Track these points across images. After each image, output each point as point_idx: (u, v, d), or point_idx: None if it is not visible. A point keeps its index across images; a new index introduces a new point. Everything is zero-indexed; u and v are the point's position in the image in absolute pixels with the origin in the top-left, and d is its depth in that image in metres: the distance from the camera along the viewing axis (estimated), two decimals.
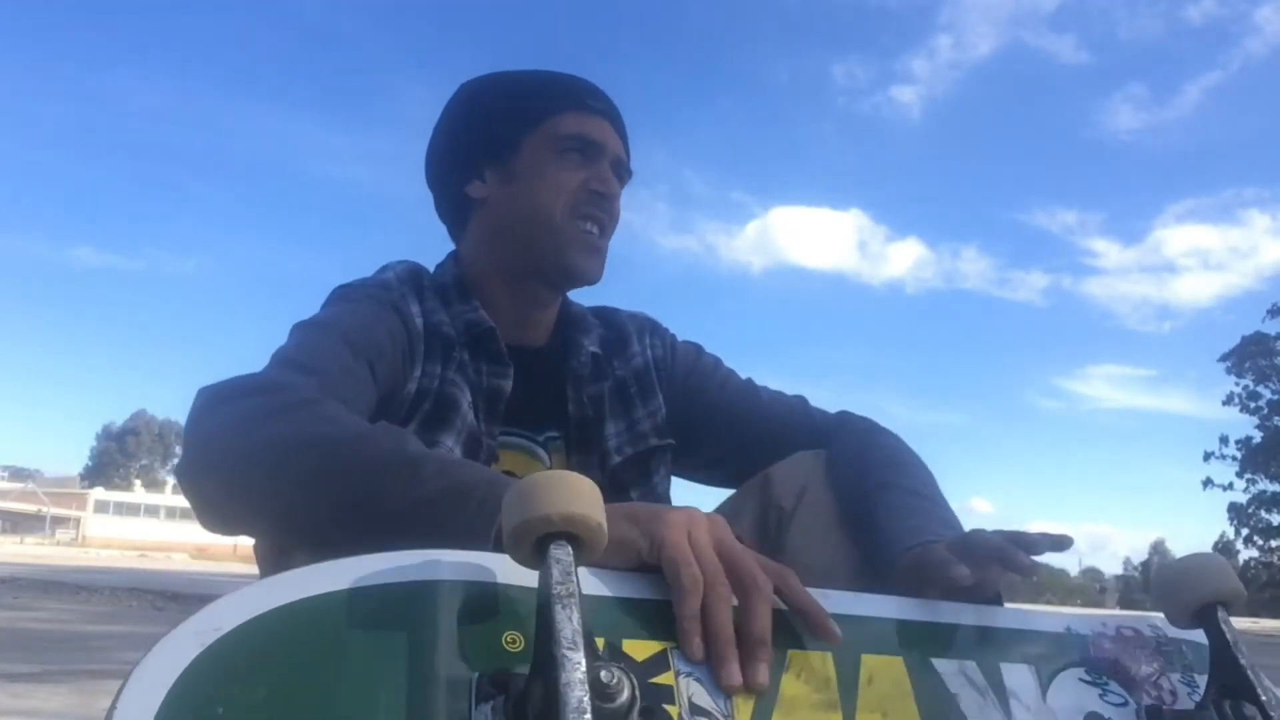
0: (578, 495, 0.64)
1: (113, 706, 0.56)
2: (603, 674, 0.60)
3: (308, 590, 0.63)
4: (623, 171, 1.28)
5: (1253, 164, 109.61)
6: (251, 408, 0.89)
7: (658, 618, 0.72)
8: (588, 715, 0.55)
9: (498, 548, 0.70)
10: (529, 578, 0.64)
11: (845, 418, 1.28)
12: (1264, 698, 0.76)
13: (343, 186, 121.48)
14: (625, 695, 0.60)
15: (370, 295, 1.17)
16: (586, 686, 0.56)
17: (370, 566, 0.65)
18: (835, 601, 0.79)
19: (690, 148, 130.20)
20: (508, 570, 0.67)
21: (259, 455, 0.86)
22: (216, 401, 0.92)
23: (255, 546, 1.01)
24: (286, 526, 0.88)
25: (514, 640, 0.65)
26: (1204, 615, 0.82)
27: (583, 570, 0.67)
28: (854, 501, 1.09)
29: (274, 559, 0.95)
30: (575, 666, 0.56)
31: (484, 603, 0.66)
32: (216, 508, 0.90)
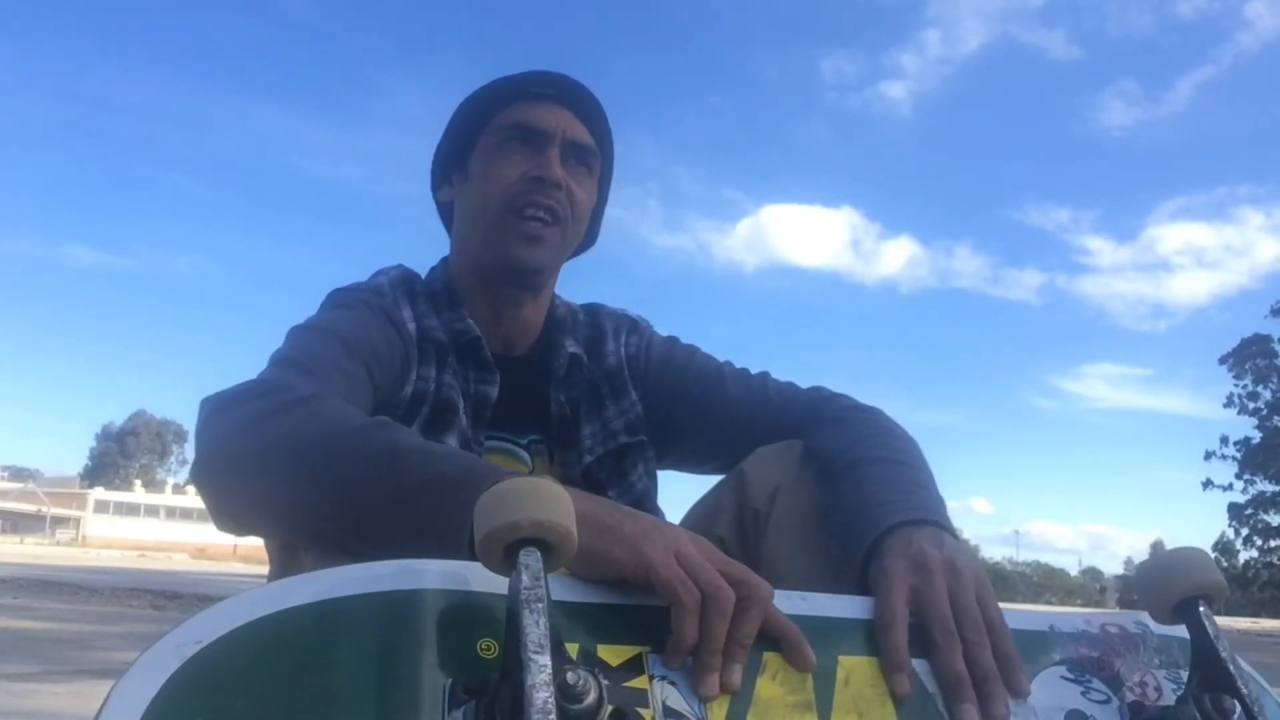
0: (547, 502, 0.65)
1: (97, 718, 0.57)
2: (569, 676, 0.61)
3: (287, 602, 0.64)
4: (584, 154, 1.24)
5: (1246, 160, 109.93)
6: (254, 410, 0.91)
7: (632, 622, 0.72)
8: (552, 716, 0.56)
9: (473, 550, 0.71)
10: (504, 585, 0.65)
11: (819, 402, 1.21)
12: (1244, 690, 0.76)
13: (334, 184, 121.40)
14: (592, 697, 0.61)
15: (364, 301, 1.19)
16: (552, 688, 0.57)
17: (347, 577, 0.66)
18: (812, 604, 0.79)
19: (681, 145, 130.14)
20: (482, 578, 0.67)
21: (262, 456, 0.87)
22: (220, 409, 0.93)
23: (266, 544, 1.02)
24: (291, 524, 0.89)
25: (488, 647, 0.65)
26: (1185, 609, 0.82)
27: (558, 577, 0.68)
28: (828, 484, 1.04)
29: (282, 557, 0.97)
30: (541, 669, 0.57)
31: (459, 610, 0.67)
32: (229, 509, 0.92)
